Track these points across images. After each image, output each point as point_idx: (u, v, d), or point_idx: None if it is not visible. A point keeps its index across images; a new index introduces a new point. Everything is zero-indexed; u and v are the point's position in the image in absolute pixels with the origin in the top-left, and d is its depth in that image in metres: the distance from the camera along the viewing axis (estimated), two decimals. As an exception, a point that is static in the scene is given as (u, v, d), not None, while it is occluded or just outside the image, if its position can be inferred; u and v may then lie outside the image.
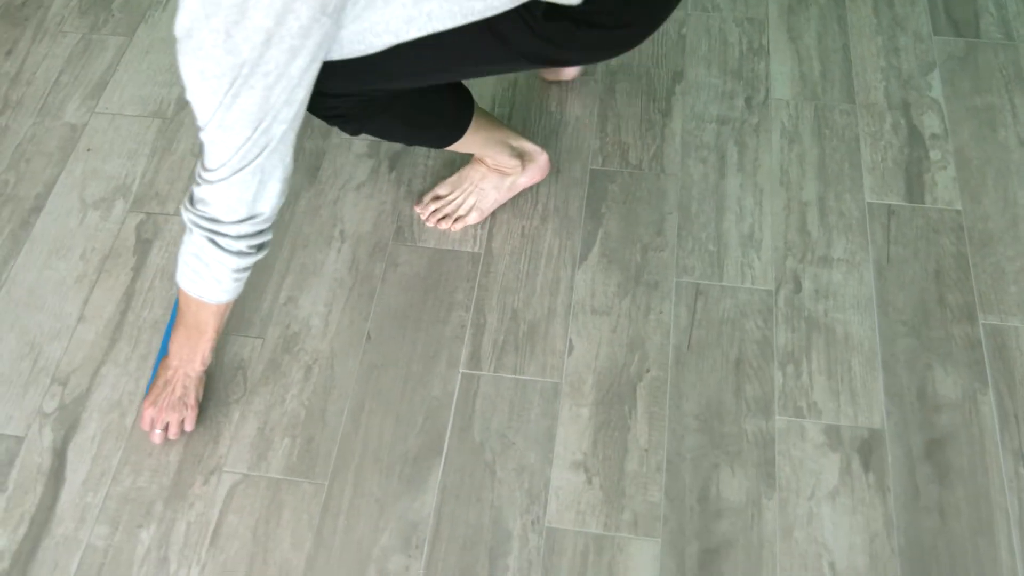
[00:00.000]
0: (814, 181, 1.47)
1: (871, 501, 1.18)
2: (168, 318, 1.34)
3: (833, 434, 1.24)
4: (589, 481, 1.21)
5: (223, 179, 0.99)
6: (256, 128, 0.95)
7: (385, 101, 1.17)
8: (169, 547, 1.17)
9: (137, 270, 1.41)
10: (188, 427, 1.24)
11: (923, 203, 1.44)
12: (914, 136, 1.52)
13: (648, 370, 1.29)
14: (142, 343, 1.33)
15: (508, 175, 1.41)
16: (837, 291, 1.36)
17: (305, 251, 1.42)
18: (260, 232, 1.07)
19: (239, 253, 1.07)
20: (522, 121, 1.55)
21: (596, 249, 1.41)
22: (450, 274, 1.39)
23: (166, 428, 1.23)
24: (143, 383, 1.29)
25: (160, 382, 1.24)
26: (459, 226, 1.42)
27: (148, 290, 1.38)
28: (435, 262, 1.40)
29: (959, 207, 1.44)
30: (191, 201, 1.05)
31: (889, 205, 1.44)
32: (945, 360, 1.29)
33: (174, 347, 1.22)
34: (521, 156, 1.40)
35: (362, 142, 1.53)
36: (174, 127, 1.57)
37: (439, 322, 1.35)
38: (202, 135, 0.97)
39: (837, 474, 1.20)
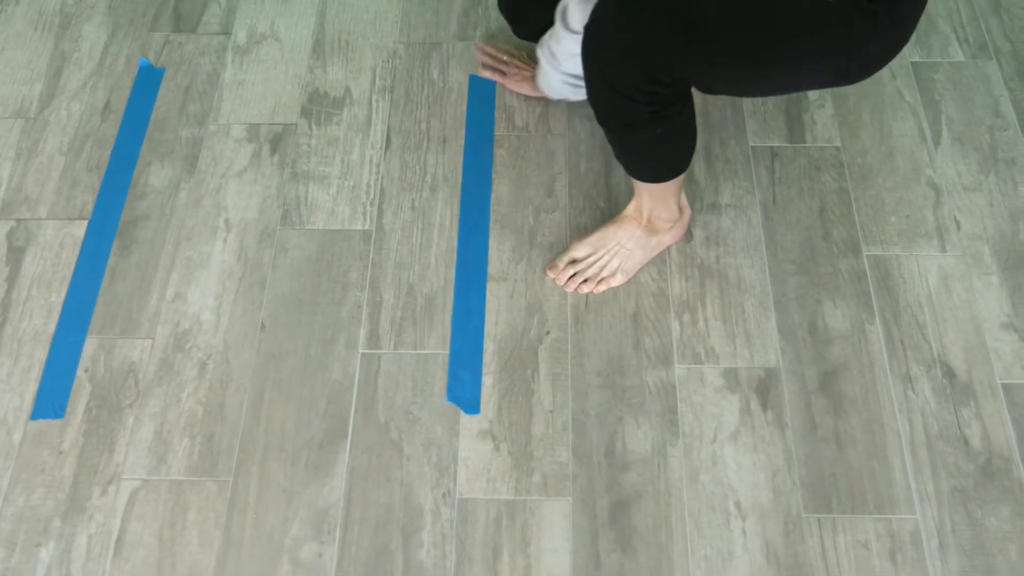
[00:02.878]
0: (699, 130, 1.47)
1: (771, 438, 1.22)
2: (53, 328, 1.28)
3: (731, 377, 1.26)
4: (497, 448, 1.21)
5: None
6: None
7: (683, 103, 1.13)
8: (71, 563, 1.13)
9: (11, 280, 1.34)
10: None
11: (804, 142, 1.47)
12: (792, 77, 1.55)
13: (548, 332, 1.30)
14: (23, 356, 1.27)
15: (657, 233, 1.32)
16: (727, 236, 1.38)
17: (190, 244, 1.37)
18: None
19: None
20: (405, 92, 1.53)
21: (490, 215, 1.40)
22: (342, 254, 1.37)
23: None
24: (29, 397, 1.24)
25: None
26: (602, 288, 1.33)
27: (25, 300, 1.32)
28: (326, 243, 1.38)
29: (838, 143, 1.47)
30: None
31: (772, 147, 1.47)
32: (834, 294, 1.33)
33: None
34: (681, 210, 1.33)
35: (239, 126, 1.48)
36: (39, 126, 1.49)
37: (335, 304, 1.32)
38: None
39: (737, 415, 1.23)
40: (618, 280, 1.33)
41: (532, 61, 1.49)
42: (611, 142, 1.22)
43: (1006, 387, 1.25)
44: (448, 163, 1.45)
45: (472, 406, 1.24)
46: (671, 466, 1.20)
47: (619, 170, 1.44)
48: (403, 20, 1.63)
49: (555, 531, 1.15)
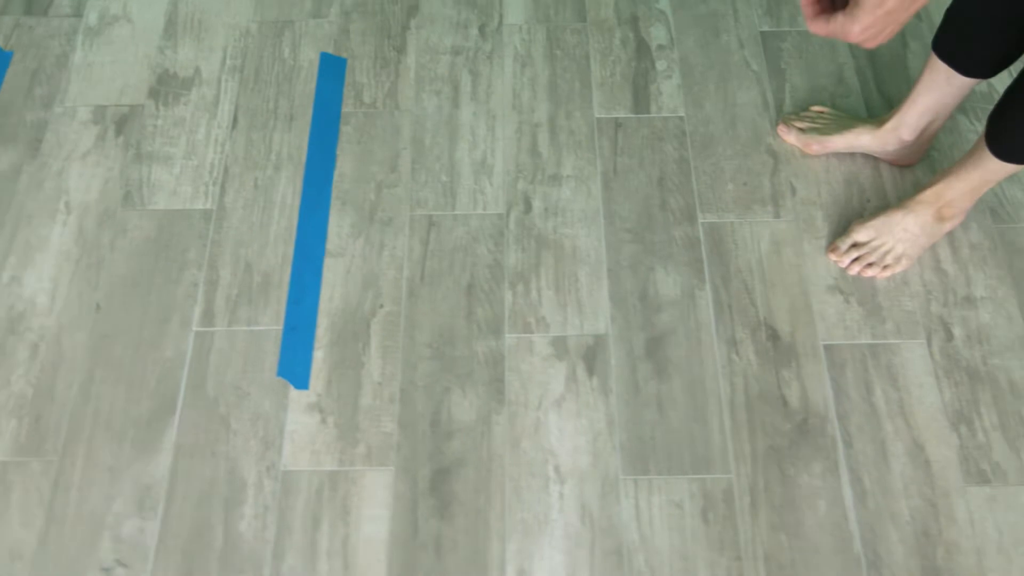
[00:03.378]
0: (545, 102, 1.50)
1: (595, 404, 1.24)
2: None
3: (560, 345, 1.28)
4: (324, 421, 1.22)
5: None
6: None
7: None
8: None
9: None
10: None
11: (649, 113, 1.49)
12: (642, 49, 1.56)
13: (382, 306, 1.31)
14: None
15: (944, 220, 1.30)
16: (566, 207, 1.40)
17: (29, 228, 1.37)
18: None
19: None
20: (255, 70, 1.53)
21: (331, 192, 1.41)
22: (182, 234, 1.37)
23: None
24: None
25: None
26: (887, 274, 1.32)
27: None
28: (166, 224, 1.38)
29: (682, 113, 1.49)
30: None
31: (616, 118, 1.48)
32: (667, 261, 1.35)
33: None
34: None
35: (86, 108, 1.48)
36: None
37: (171, 283, 1.33)
38: None
39: (563, 382, 1.25)
40: (903, 266, 1.32)
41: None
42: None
43: (827, 348, 1.27)
44: (294, 141, 1.45)
45: (302, 380, 1.25)
46: (495, 434, 1.21)
47: (465, 143, 1.45)
48: (258, -1, 1.63)
49: (376, 500, 1.17)
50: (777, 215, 1.38)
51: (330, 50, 1.55)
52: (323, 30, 1.58)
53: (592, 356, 1.27)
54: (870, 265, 1.32)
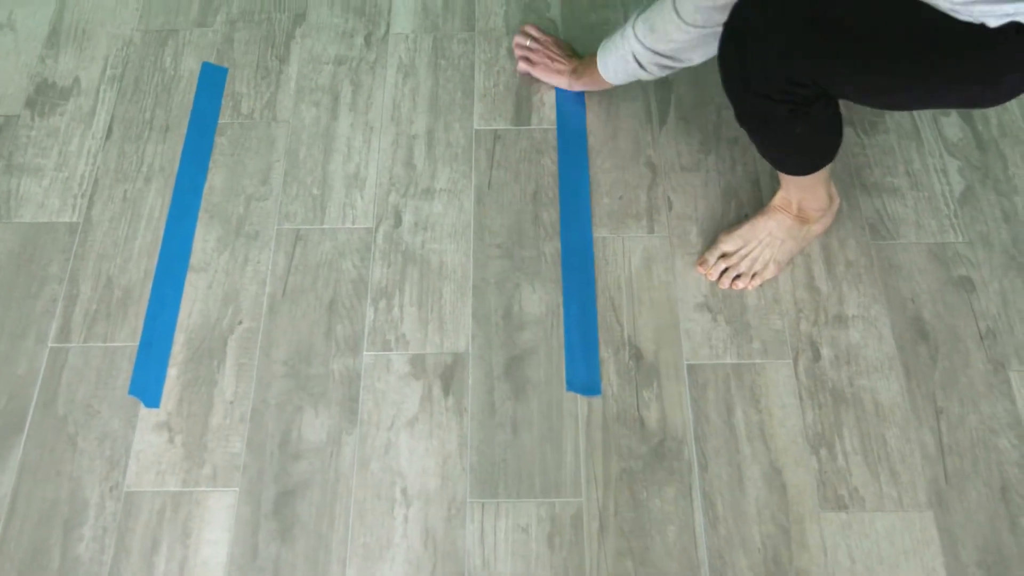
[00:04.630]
0: (425, 114, 1.47)
1: (448, 424, 1.21)
2: None
3: (418, 363, 1.26)
4: (171, 440, 1.20)
5: None
6: None
7: (826, 101, 1.10)
8: None
9: None
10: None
11: (529, 124, 1.46)
12: (528, 58, 1.54)
13: (240, 322, 1.29)
14: None
15: (808, 222, 1.29)
16: (436, 221, 1.37)
17: None
18: None
19: None
20: (135, 80, 1.51)
21: (200, 205, 1.39)
22: (45, 248, 1.35)
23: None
24: None
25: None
26: (756, 283, 1.30)
27: None
28: (31, 237, 1.36)
29: (564, 125, 1.47)
30: None
31: (496, 130, 1.45)
32: (534, 278, 1.32)
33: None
34: (830, 199, 1.31)
35: (-39, 119, 1.46)
36: None
37: (30, 298, 1.30)
38: None
39: (418, 402, 1.23)
40: (771, 272, 1.30)
41: (565, 53, 1.46)
42: (752, 140, 1.19)
43: (691, 367, 1.25)
44: (167, 152, 1.43)
45: (153, 398, 1.23)
46: (344, 454, 1.19)
47: (339, 155, 1.43)
48: (144, 7, 1.60)
49: (217, 522, 1.15)
50: (651, 230, 1.35)
51: (212, 60, 1.52)
52: (207, 39, 1.55)
53: (450, 375, 1.24)
54: (739, 276, 1.30)
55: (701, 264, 1.32)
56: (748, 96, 1.09)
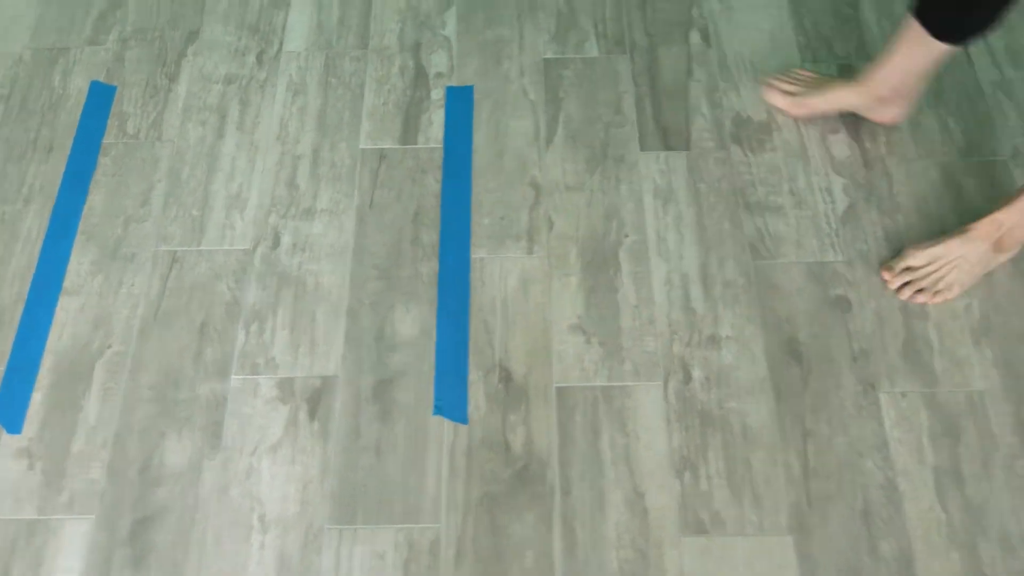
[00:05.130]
0: (312, 133, 1.46)
1: (311, 449, 1.20)
2: None
3: (286, 387, 1.25)
4: (31, 467, 1.19)
5: None
6: None
7: None
8: None
9: None
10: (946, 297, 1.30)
11: (416, 144, 1.45)
12: (420, 77, 1.52)
13: (110, 346, 1.27)
14: None
15: (1005, 251, 1.29)
16: (315, 243, 1.36)
17: None
18: None
19: None
20: (22, 99, 1.50)
21: (78, 227, 1.38)
22: (-80, 270, 1.35)
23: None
24: None
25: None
26: (938, 300, 1.30)
27: None
28: (-94, 259, 1.35)
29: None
30: None
31: (382, 149, 1.45)
32: (409, 299, 1.31)
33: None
34: None
35: None
36: None
37: (-100, 322, 1.30)
38: None
39: (283, 426, 1.22)
40: (954, 293, 1.30)
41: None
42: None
43: (560, 390, 1.24)
44: (48, 173, 1.42)
45: (15, 424, 1.22)
46: (204, 481, 1.18)
47: (222, 175, 1.42)
48: (37, 24, 1.59)
49: (71, 551, 1.13)
50: (530, 251, 1.34)
51: (102, 78, 1.51)
52: (98, 57, 1.54)
53: (317, 399, 1.23)
54: (921, 291, 1.30)
55: (886, 270, 1.32)
56: None
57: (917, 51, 1.29)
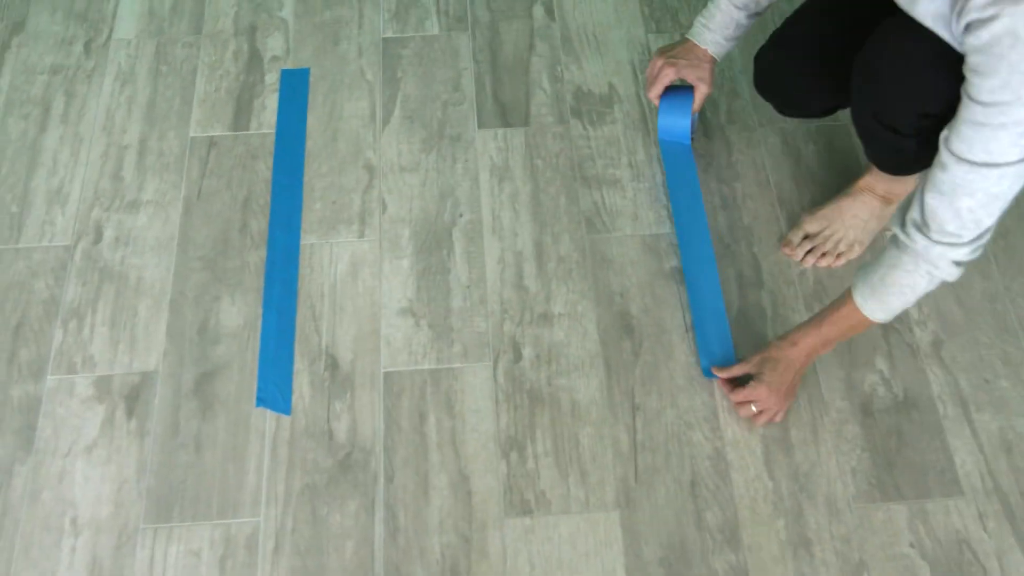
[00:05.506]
0: (139, 123, 1.42)
1: (127, 448, 1.16)
2: None
3: (104, 385, 1.21)
4: None
5: None
6: None
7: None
8: None
9: None
10: (779, 419, 1.18)
11: (248, 130, 1.41)
12: (254, 61, 1.48)
13: (-81, 351, 1.23)
14: None
15: (893, 203, 1.28)
16: (139, 236, 1.32)
17: None
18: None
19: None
20: None
21: None
22: None
23: (759, 413, 1.18)
24: None
25: (780, 367, 1.14)
26: (841, 262, 1.30)
27: None
28: None
29: (284, 129, 1.42)
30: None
31: (212, 137, 1.40)
32: (235, 290, 1.27)
33: (816, 341, 1.12)
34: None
35: None
36: None
37: None
38: None
39: (99, 426, 1.18)
40: (855, 253, 1.30)
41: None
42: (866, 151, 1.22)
43: (387, 375, 1.21)
44: None
45: None
46: (14, 486, 1.14)
47: (44, 170, 1.36)
48: None
49: None
50: (362, 235, 1.31)
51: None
52: (-82, 53, 1.48)
53: (135, 396, 1.19)
54: (824, 255, 1.30)
55: (786, 245, 1.31)
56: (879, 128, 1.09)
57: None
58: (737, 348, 1.22)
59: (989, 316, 1.26)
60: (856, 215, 1.30)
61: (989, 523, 1.12)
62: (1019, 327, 1.25)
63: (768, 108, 1.41)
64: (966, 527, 1.12)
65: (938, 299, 1.27)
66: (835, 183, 1.35)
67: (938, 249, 0.95)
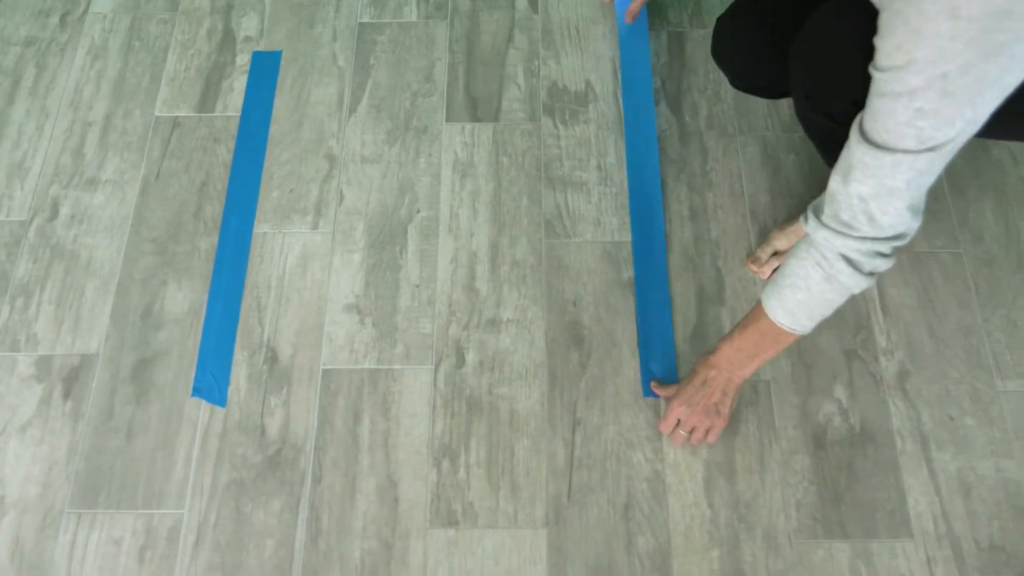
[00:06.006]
0: (107, 99, 1.40)
1: (61, 430, 1.16)
2: None
3: (44, 365, 1.20)
4: None
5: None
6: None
7: None
8: None
9: None
10: (712, 439, 1.12)
11: (213, 112, 1.39)
12: (227, 41, 1.45)
13: None
14: None
15: None
16: (95, 214, 1.31)
17: None
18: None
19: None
20: None
21: None
22: None
23: (690, 432, 1.13)
24: None
25: (697, 382, 1.11)
26: None
27: None
28: None
29: (250, 112, 1.40)
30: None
31: (176, 117, 1.38)
32: (183, 275, 1.26)
33: (729, 352, 1.06)
34: None
35: None
36: None
37: None
38: None
39: (35, 406, 1.18)
40: None
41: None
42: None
43: (326, 372, 1.19)
44: None
45: None
46: (-53, 461, 1.15)
47: (8, 142, 1.35)
48: None
49: None
50: (315, 226, 1.28)
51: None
52: (-102, 17, 1.49)
53: (74, 378, 1.19)
54: None
55: (753, 262, 1.26)
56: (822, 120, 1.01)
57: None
58: (688, 367, 1.18)
59: (961, 350, 1.19)
60: None
61: (937, 569, 1.07)
62: (993, 364, 1.18)
63: (751, 115, 1.35)
64: (911, 571, 1.07)
65: (909, 328, 1.20)
66: (812, 197, 1.29)
67: (823, 233, 0.87)
